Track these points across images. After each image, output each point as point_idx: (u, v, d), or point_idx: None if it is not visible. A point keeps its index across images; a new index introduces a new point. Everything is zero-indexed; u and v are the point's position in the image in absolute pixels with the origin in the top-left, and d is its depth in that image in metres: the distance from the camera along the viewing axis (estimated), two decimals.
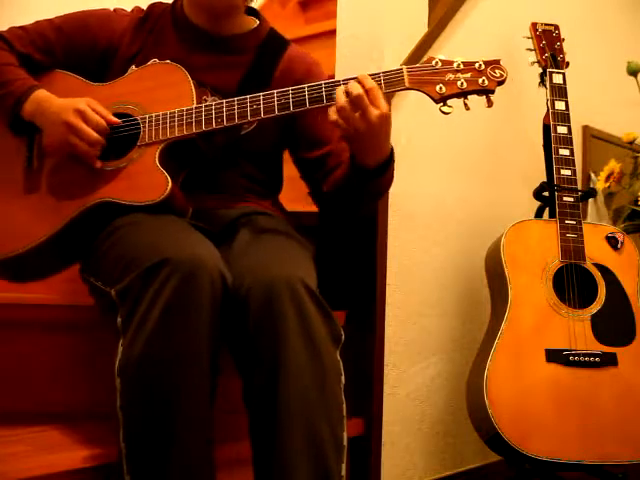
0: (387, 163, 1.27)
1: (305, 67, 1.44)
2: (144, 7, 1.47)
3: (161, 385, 1.04)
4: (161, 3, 1.48)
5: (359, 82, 1.17)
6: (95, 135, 1.26)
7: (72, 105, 1.27)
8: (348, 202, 1.39)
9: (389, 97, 1.39)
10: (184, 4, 1.44)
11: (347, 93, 1.17)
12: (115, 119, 1.29)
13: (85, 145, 1.26)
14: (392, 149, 1.27)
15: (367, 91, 1.16)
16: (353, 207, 1.42)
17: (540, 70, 1.81)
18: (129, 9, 1.47)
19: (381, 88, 1.19)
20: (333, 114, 1.18)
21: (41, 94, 1.32)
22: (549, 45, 1.81)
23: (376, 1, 1.66)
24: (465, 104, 1.23)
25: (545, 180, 1.75)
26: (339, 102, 1.17)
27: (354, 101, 1.16)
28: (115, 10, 1.45)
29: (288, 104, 1.22)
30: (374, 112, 1.16)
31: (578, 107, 1.82)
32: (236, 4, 1.40)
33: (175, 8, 1.45)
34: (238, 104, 1.25)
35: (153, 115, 1.27)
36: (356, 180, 1.29)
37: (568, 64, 1.81)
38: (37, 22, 1.42)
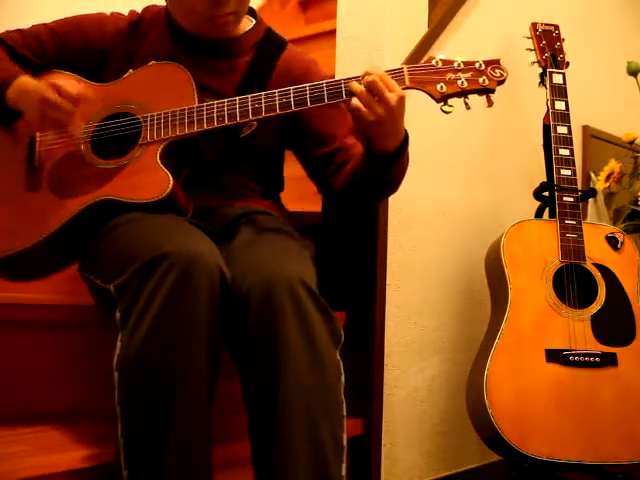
0: (404, 145, 1.27)
1: (303, 65, 1.44)
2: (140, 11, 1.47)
3: (159, 377, 1.04)
4: (155, 6, 1.48)
5: (369, 73, 1.19)
6: (69, 105, 1.26)
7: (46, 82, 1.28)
8: (366, 193, 1.39)
9: None
10: (174, 10, 1.41)
11: (360, 82, 1.19)
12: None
13: (60, 113, 1.26)
14: (406, 131, 1.27)
15: (379, 77, 1.18)
16: (370, 198, 1.43)
17: (540, 70, 1.81)
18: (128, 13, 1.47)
19: None
20: (355, 102, 1.19)
21: (23, 79, 1.32)
22: (549, 45, 1.82)
23: (376, 1, 1.66)
24: (466, 103, 1.23)
25: (545, 180, 1.75)
26: (357, 89, 1.19)
27: (370, 86, 1.18)
28: (111, 14, 1.45)
29: (289, 103, 1.23)
30: (391, 95, 1.18)
31: (578, 107, 1.82)
32: (230, 29, 1.38)
33: (169, 11, 1.45)
34: (239, 103, 1.25)
35: (155, 114, 1.27)
36: (378, 167, 1.28)
37: (568, 64, 1.81)
38: (33, 25, 1.44)
